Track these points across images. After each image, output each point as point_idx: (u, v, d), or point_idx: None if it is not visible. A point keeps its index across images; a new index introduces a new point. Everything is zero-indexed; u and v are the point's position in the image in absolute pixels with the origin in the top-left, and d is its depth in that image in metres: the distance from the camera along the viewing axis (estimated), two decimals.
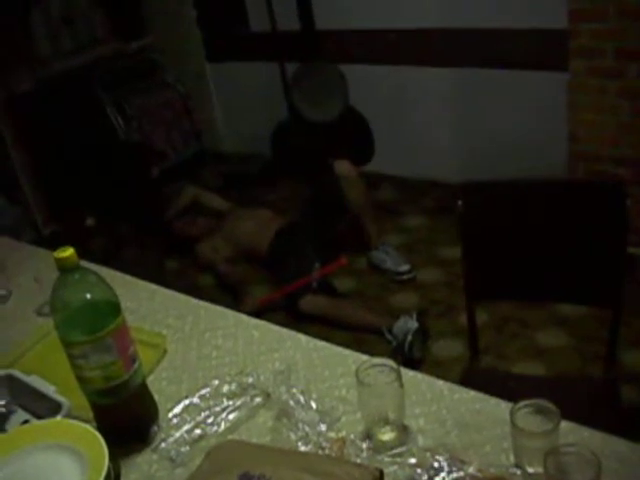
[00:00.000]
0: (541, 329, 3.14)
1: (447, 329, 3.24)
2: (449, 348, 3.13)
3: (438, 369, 2.96)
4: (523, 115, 3.90)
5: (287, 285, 3.52)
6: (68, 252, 1.21)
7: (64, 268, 1.22)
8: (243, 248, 3.99)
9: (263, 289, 3.74)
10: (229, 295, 3.72)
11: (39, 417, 1.38)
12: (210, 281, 3.99)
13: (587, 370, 2.83)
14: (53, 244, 1.25)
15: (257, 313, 3.05)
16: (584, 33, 3.19)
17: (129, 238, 4.57)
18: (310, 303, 3.43)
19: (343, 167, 3.78)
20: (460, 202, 1.99)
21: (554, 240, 1.97)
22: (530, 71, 3.75)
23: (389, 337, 3.15)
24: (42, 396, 1.39)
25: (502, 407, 1.29)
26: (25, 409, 1.43)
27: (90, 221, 4.80)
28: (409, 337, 3.04)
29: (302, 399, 1.33)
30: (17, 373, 1.47)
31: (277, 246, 3.78)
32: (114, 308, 1.27)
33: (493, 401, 1.33)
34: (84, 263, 1.27)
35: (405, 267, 3.72)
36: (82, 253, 1.26)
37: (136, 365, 1.32)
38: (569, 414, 1.20)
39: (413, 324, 3.09)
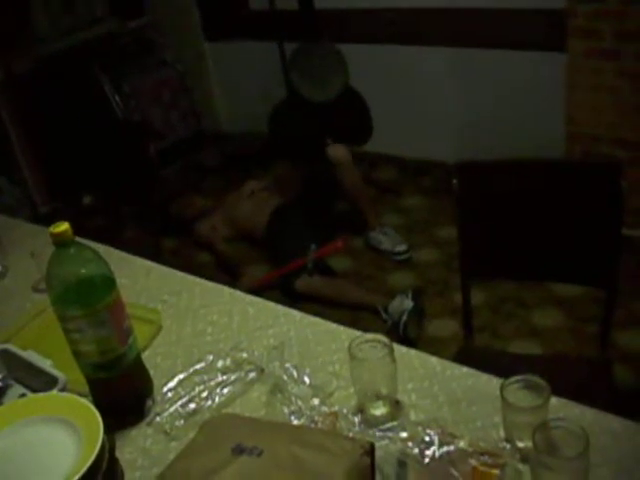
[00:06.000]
0: (537, 309, 3.15)
1: (443, 308, 3.25)
2: (445, 327, 3.14)
3: (433, 348, 2.97)
4: (521, 95, 3.89)
5: (283, 266, 3.53)
6: (63, 227, 1.22)
7: (59, 243, 1.23)
8: (241, 227, 4.00)
9: (261, 269, 3.74)
10: (227, 274, 3.72)
11: (35, 391, 1.39)
12: (208, 260, 4.00)
13: (582, 350, 2.84)
14: (50, 222, 1.25)
15: (254, 292, 3.05)
16: (582, 13, 3.18)
17: (127, 218, 4.58)
18: (306, 283, 3.44)
19: (338, 153, 3.77)
20: (455, 181, 2.00)
21: (550, 220, 1.97)
22: (528, 51, 3.73)
23: (385, 316, 3.16)
24: (38, 371, 1.40)
25: (494, 383, 1.30)
26: (22, 383, 1.44)
27: (87, 199, 4.81)
28: (404, 317, 3.05)
29: (295, 374, 1.35)
30: (13, 348, 1.47)
31: (273, 226, 3.78)
32: (109, 282, 1.28)
33: (485, 377, 1.34)
34: (81, 241, 1.28)
35: (402, 247, 3.72)
36: (79, 231, 1.26)
37: (131, 339, 1.33)
38: (563, 393, 1.21)
39: (409, 304, 3.10)
